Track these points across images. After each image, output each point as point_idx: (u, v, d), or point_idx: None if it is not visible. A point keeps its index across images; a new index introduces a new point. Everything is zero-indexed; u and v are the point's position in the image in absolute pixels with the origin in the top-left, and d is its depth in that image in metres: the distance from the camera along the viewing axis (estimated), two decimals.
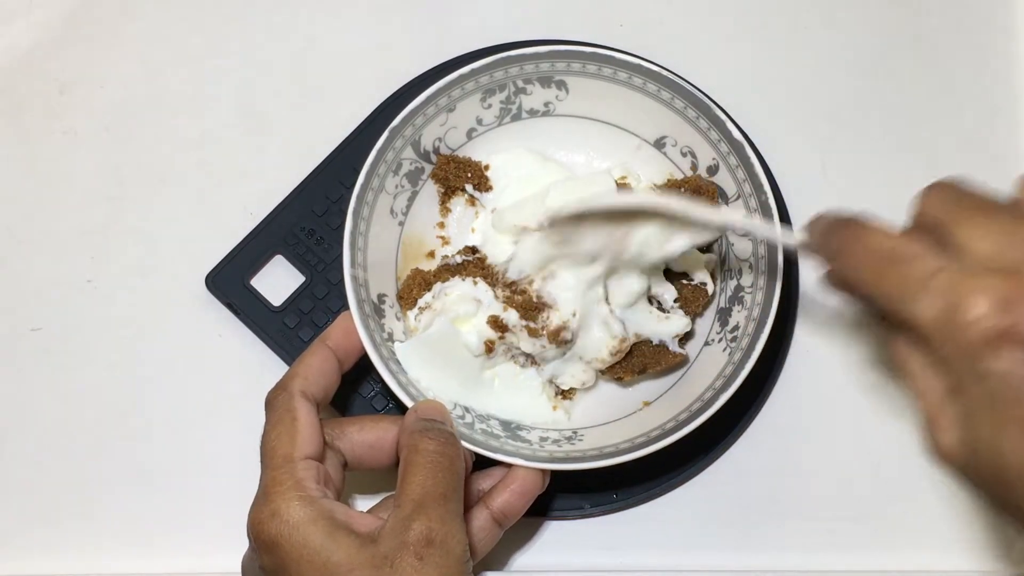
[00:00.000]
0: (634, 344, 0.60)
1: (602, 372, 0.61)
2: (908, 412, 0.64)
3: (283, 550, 0.50)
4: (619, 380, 0.62)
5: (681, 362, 0.61)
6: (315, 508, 0.50)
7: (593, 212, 0.56)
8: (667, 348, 0.61)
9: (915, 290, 0.42)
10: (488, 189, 0.64)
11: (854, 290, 0.45)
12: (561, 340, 0.59)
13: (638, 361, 0.61)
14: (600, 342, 0.59)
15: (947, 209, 0.43)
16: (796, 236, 0.48)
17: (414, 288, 0.61)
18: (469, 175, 0.63)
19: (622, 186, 0.62)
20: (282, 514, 0.50)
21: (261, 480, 0.52)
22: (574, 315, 0.58)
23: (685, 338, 0.61)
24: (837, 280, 0.47)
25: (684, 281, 0.61)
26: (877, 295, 0.43)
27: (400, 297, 0.62)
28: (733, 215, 0.58)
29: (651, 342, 0.61)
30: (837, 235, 0.45)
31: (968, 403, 0.42)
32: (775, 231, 0.54)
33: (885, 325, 0.45)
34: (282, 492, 0.51)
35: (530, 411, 0.60)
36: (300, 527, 0.49)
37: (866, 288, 0.44)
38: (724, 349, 0.60)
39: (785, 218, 0.61)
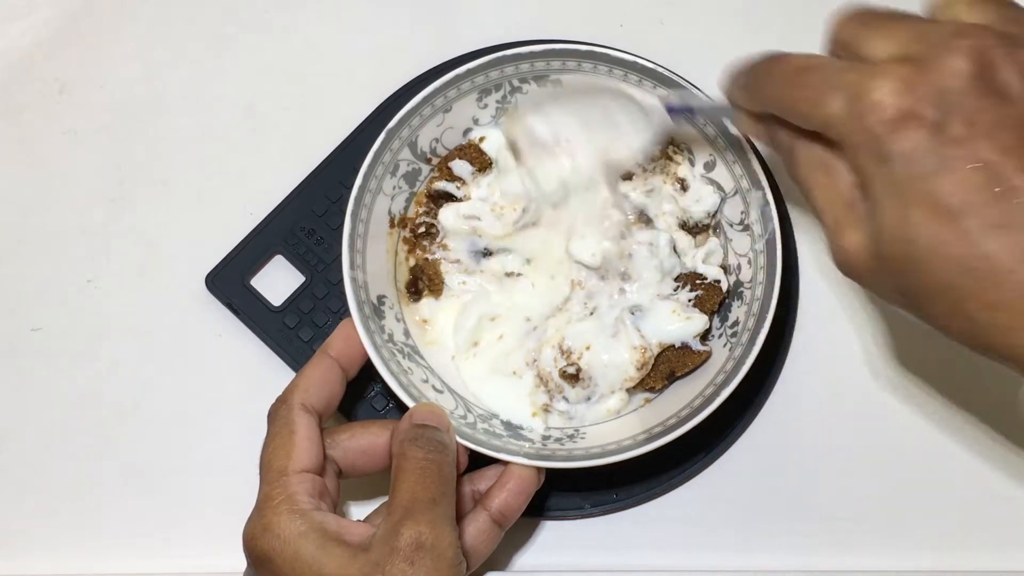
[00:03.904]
0: (658, 352, 0.60)
1: (632, 388, 0.61)
2: (907, 409, 0.64)
3: (275, 564, 0.50)
4: (651, 390, 0.61)
5: (706, 359, 0.60)
6: (306, 521, 0.50)
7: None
8: (690, 348, 0.60)
9: (823, 91, 0.43)
10: (489, 166, 0.63)
11: (771, 109, 0.46)
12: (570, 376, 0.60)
13: (665, 367, 0.60)
14: (623, 361, 0.60)
15: (856, 29, 0.44)
16: (721, 93, 0.51)
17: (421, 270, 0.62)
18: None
19: None
20: (273, 528, 0.50)
21: (257, 495, 0.52)
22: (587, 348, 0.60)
23: (704, 335, 0.61)
24: (753, 117, 0.49)
25: (699, 281, 0.61)
26: (791, 106, 0.45)
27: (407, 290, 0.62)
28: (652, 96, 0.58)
29: (674, 346, 0.60)
30: (755, 68, 0.47)
31: (874, 194, 0.42)
32: (703, 98, 0.58)
33: (786, 143, 0.47)
34: (273, 507, 0.51)
35: (509, 408, 0.60)
36: (291, 541, 0.50)
37: (780, 102, 0.46)
38: (724, 344, 0.60)
39: (784, 216, 0.61)
